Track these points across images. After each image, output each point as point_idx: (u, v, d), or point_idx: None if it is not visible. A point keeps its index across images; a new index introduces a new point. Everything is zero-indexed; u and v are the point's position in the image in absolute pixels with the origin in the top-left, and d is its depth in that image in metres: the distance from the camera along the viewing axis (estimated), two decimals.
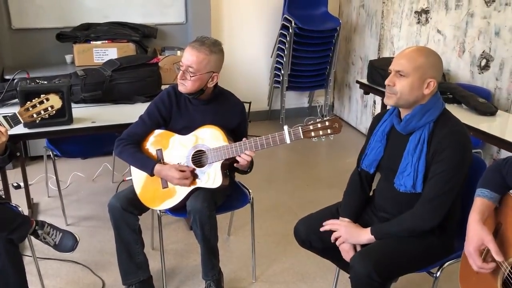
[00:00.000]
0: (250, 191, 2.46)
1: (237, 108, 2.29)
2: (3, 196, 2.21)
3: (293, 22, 4.26)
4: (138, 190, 2.22)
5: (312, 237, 2.03)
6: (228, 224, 2.96)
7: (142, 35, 4.13)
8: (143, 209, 2.24)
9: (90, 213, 3.20)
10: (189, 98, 2.22)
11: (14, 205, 2.25)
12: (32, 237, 2.19)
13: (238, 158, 2.09)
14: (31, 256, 2.37)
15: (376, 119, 2.03)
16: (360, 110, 4.70)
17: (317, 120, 2.03)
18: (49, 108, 2.13)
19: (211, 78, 2.14)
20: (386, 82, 1.83)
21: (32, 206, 3.20)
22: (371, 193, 2.13)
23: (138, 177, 2.23)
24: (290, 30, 4.29)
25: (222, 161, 2.13)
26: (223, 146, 2.12)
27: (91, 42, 3.93)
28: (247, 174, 2.26)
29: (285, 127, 2.05)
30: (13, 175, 3.58)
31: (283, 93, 4.66)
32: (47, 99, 2.13)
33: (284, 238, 2.93)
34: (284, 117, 4.76)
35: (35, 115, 2.10)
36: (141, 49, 4.08)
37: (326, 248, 2.02)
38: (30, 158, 3.95)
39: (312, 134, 2.02)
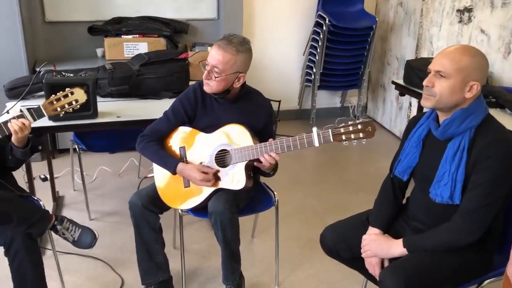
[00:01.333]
0: (275, 193, 2.37)
1: (264, 109, 2.19)
2: (27, 190, 2.18)
3: (327, 19, 4.13)
4: (159, 188, 2.16)
5: (340, 245, 1.91)
6: (252, 226, 2.87)
7: (173, 30, 4.09)
8: (164, 207, 2.18)
9: (113, 209, 3.17)
10: (215, 97, 2.14)
11: (36, 198, 2.23)
12: (52, 232, 2.17)
13: (261, 159, 1.99)
14: (49, 250, 2.34)
15: (412, 123, 1.90)
16: (395, 112, 4.53)
17: (349, 122, 1.92)
18: (74, 102, 2.10)
19: (237, 78, 2.05)
20: (424, 82, 1.70)
21: (57, 199, 3.20)
22: (404, 201, 2.00)
23: (160, 175, 2.17)
24: (324, 28, 4.17)
25: (246, 161, 2.04)
26: (248, 146, 2.03)
27: (122, 36, 3.91)
28: (270, 177, 2.16)
29: (314, 129, 1.94)
30: (42, 167, 3.59)
31: (315, 92, 4.53)
32: (72, 93, 2.09)
33: (309, 243, 2.81)
34: (315, 117, 4.63)
35: (59, 109, 2.07)
36: (172, 44, 4.04)
37: (355, 258, 1.90)
38: (58, 151, 3.97)
39: (343, 137, 1.91)
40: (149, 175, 2.31)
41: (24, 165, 2.51)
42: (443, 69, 1.63)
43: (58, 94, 2.07)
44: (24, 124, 1.94)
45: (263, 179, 2.37)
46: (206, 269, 2.59)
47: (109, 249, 2.72)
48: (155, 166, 2.17)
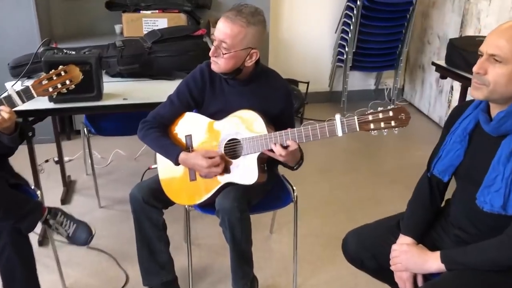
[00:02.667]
0: (294, 188, 2.10)
1: (281, 91, 1.92)
2: (22, 176, 2.00)
3: None
4: (163, 181, 1.93)
5: (364, 254, 1.65)
6: (271, 220, 2.62)
7: (195, 5, 3.83)
8: (169, 202, 1.95)
9: (126, 196, 2.89)
10: (225, 78, 1.87)
11: (31, 187, 2.04)
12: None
13: (274, 149, 1.72)
14: (58, 240, 2.18)
15: (456, 113, 1.59)
16: (434, 96, 4.14)
17: (379, 109, 1.62)
18: (67, 82, 1.88)
19: (249, 55, 1.77)
20: (475, 69, 1.37)
21: (68, 184, 3.04)
22: (443, 203, 1.70)
23: (163, 166, 1.94)
24: (358, 2, 3.80)
25: (259, 153, 1.78)
26: (261, 135, 1.76)
27: (141, 11, 3.68)
28: (293, 170, 1.90)
29: (337, 116, 1.66)
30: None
31: (346, 73, 4.19)
32: (66, 71, 1.88)
33: (333, 241, 2.53)
34: (346, 100, 4.30)
35: (50, 89, 1.86)
36: (193, 20, 3.78)
37: (382, 269, 1.63)
38: (75, 132, 3.82)
39: (371, 126, 1.62)
40: (153, 166, 2.09)
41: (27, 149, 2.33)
42: (499, 52, 1.31)
43: (50, 72, 1.86)
44: (3, 117, 1.72)
45: (282, 170, 2.11)
46: (218, 267, 2.36)
47: (116, 241, 2.54)
48: (158, 156, 1.94)
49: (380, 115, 1.61)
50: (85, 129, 2.75)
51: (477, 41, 2.92)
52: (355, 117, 1.63)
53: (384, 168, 3.42)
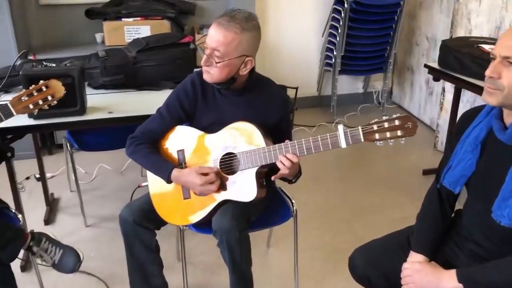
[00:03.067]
0: (293, 201, 2.00)
1: (278, 100, 1.82)
2: (0, 199, 1.86)
3: None
4: (154, 200, 1.81)
5: (373, 272, 1.55)
6: (267, 234, 2.51)
7: (179, 12, 3.71)
8: (161, 222, 1.83)
9: (114, 213, 2.81)
10: (218, 88, 1.76)
11: (12, 211, 1.90)
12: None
13: (278, 164, 1.62)
14: (43, 265, 2.03)
15: (466, 120, 1.50)
16: (424, 98, 4.09)
17: (384, 118, 1.54)
18: (49, 97, 1.75)
19: (243, 63, 1.67)
20: (488, 73, 1.30)
21: (51, 202, 2.89)
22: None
23: (155, 184, 1.82)
24: (346, 5, 3.73)
25: (257, 167, 1.67)
26: (259, 148, 1.66)
27: (123, 19, 3.55)
28: (291, 183, 1.79)
29: (340, 127, 1.57)
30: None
31: (335, 77, 4.12)
32: (47, 86, 1.75)
33: (334, 253, 2.45)
34: (336, 104, 4.22)
35: (31, 106, 1.73)
36: (177, 27, 3.67)
37: None
38: (57, 146, 3.65)
39: (377, 136, 1.53)
40: (143, 184, 1.97)
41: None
42: None
43: (30, 88, 1.73)
44: None
45: (278, 182, 2.01)
46: (215, 287, 2.25)
47: (105, 263, 2.40)
48: (149, 174, 1.82)
49: (386, 125, 1.52)
50: (67, 144, 2.61)
51: (470, 41, 2.87)
52: (359, 128, 1.54)
53: (378, 174, 3.34)
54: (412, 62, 4.28)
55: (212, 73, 1.66)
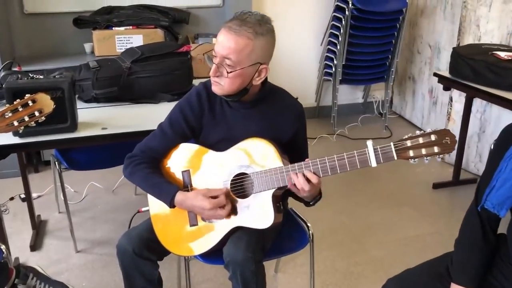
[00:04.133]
0: (309, 224, 1.82)
1: (293, 112, 1.64)
2: None
3: (350, 2, 3.55)
4: (157, 228, 1.61)
5: None
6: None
7: (172, 20, 3.54)
8: (165, 251, 1.63)
9: (106, 236, 2.63)
10: (227, 100, 1.58)
11: None
12: None
13: (293, 186, 1.44)
14: None
15: (510, 134, 1.34)
16: (428, 107, 3.95)
17: (417, 132, 1.38)
18: (37, 113, 1.55)
19: (257, 72, 1.49)
20: None
21: (37, 225, 2.66)
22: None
23: (157, 209, 1.62)
24: (347, 12, 3.59)
25: (274, 189, 1.49)
26: (275, 168, 1.47)
27: (113, 28, 3.37)
28: (308, 206, 1.61)
29: (369, 143, 1.39)
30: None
31: (336, 87, 3.96)
32: (34, 101, 1.54)
33: (348, 277, 2.26)
34: (336, 115, 4.06)
35: (16, 123, 1.52)
36: (171, 36, 3.50)
37: None
38: (44, 163, 3.43)
39: (411, 153, 1.36)
40: (143, 209, 1.77)
41: None
42: None
43: (15, 103, 1.52)
44: None
45: (291, 203, 1.83)
46: None
47: None
48: (150, 198, 1.62)
49: (421, 140, 1.36)
50: (55, 162, 2.40)
51: (484, 49, 2.73)
52: (392, 144, 1.37)
53: (387, 189, 3.17)
54: (414, 71, 4.14)
55: (222, 85, 1.48)
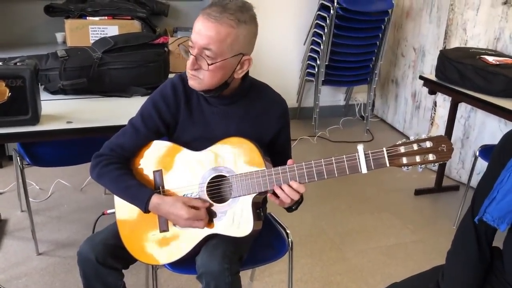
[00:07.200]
0: (288, 231, 1.70)
1: (277, 109, 1.52)
2: None
3: (335, 1, 3.45)
4: (123, 233, 1.46)
5: None
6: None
7: (151, 12, 3.39)
8: (131, 259, 1.48)
9: (71, 238, 2.45)
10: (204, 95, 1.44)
11: None
12: None
13: (277, 192, 1.32)
14: None
15: (510, 142, 1.24)
16: (410, 112, 3.88)
17: (412, 138, 1.27)
18: None
19: (239, 63, 1.36)
20: None
21: None
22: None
23: (124, 213, 1.47)
24: (332, 11, 3.48)
25: (254, 195, 1.36)
26: (257, 171, 1.34)
27: (88, 17, 3.18)
28: (290, 212, 1.49)
29: (360, 148, 1.28)
30: None
31: (318, 88, 3.85)
32: None
33: (328, 286, 2.14)
34: (318, 116, 3.95)
35: None
36: (148, 29, 3.32)
37: None
38: (8, 158, 3.22)
39: (404, 161, 1.26)
40: (109, 211, 1.61)
41: None
42: None
43: None
44: None
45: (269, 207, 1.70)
46: None
47: None
48: (117, 199, 1.47)
49: (415, 147, 1.26)
50: (17, 157, 2.22)
51: (471, 52, 2.66)
52: (384, 150, 1.26)
53: (366, 194, 3.07)
54: (397, 74, 4.07)
55: (201, 78, 1.34)
